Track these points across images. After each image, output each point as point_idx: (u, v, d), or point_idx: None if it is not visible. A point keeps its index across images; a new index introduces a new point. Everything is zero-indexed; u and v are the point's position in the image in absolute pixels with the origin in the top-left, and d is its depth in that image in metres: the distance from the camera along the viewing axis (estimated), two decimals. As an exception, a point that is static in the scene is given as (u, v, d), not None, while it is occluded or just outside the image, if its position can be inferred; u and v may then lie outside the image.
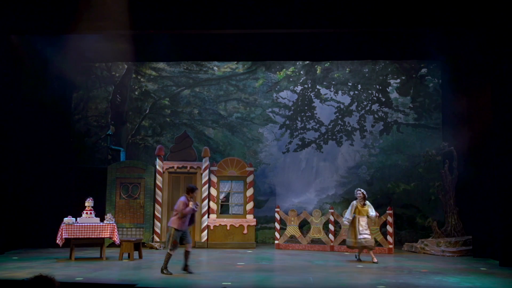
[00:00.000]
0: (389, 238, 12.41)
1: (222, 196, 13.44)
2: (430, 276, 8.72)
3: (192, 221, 8.98)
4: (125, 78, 15.55)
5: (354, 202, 11.02)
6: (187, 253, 8.78)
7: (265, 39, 12.47)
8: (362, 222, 10.79)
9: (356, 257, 10.98)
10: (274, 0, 10.68)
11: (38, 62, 12.80)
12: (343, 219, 11.39)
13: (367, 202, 11.00)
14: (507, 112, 10.17)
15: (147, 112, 15.42)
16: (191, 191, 8.81)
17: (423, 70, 14.94)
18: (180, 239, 8.71)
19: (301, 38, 12.47)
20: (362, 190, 11.04)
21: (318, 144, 15.02)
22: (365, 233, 10.73)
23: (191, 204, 8.65)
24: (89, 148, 15.14)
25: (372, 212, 10.92)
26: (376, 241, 12.15)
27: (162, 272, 8.61)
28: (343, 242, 12.73)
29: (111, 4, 10.32)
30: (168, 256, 8.64)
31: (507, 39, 10.20)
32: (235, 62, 15.34)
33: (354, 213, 10.88)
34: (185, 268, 8.76)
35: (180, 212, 8.57)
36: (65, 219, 10.34)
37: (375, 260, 10.55)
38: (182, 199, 8.75)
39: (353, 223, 10.86)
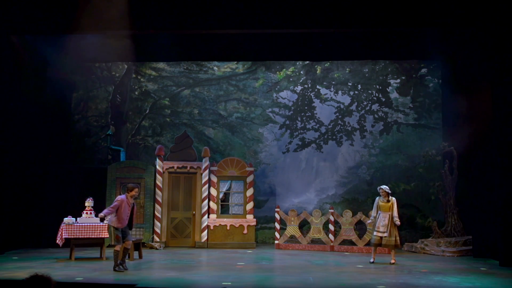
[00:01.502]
0: (389, 238, 12.38)
1: (221, 195, 13.45)
2: (430, 276, 8.72)
3: (130, 225, 9.25)
4: (125, 78, 15.55)
5: (377, 198, 10.75)
6: (125, 250, 9.08)
7: (265, 39, 12.47)
8: (382, 218, 10.47)
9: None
10: (274, 0, 10.67)
11: (38, 62, 12.80)
12: (397, 218, 10.54)
13: (392, 199, 10.57)
14: (507, 112, 10.17)
15: (147, 112, 15.42)
16: (130, 190, 9.16)
17: (423, 70, 14.94)
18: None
19: (301, 38, 12.48)
20: (383, 187, 10.62)
21: (318, 144, 15.02)
22: (381, 230, 10.42)
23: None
24: (89, 148, 15.14)
25: (394, 211, 10.46)
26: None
27: (114, 270, 8.85)
28: (343, 242, 12.75)
29: (111, 4, 10.32)
30: (116, 253, 8.95)
31: (507, 39, 10.20)
32: (235, 62, 15.33)
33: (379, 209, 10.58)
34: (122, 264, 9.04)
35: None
36: (65, 219, 10.34)
37: (392, 261, 10.35)
38: (122, 197, 9.09)
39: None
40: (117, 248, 8.92)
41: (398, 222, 10.43)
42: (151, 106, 15.44)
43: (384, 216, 10.48)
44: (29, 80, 12.37)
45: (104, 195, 12.95)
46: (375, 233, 10.55)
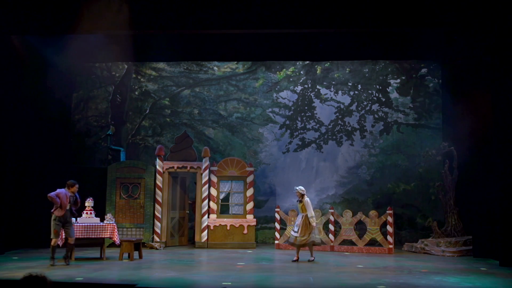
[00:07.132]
0: (389, 238, 12.41)
1: (222, 196, 13.46)
2: (430, 276, 8.72)
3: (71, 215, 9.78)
4: (125, 78, 15.55)
5: (308, 199, 10.86)
6: (69, 245, 9.65)
7: (265, 39, 12.45)
8: (297, 218, 10.92)
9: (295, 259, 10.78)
10: (274, 0, 10.67)
11: (38, 62, 12.78)
12: (313, 218, 10.78)
13: (304, 200, 10.82)
14: (507, 112, 10.17)
15: (147, 112, 15.42)
16: (71, 186, 9.75)
17: (423, 70, 14.94)
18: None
19: (301, 38, 12.46)
20: (297, 188, 10.90)
21: (318, 144, 15.02)
22: (295, 230, 10.86)
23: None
24: (89, 148, 15.15)
25: (308, 212, 10.71)
26: (376, 241, 12.22)
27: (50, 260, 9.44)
28: (343, 242, 12.75)
29: (111, 4, 10.32)
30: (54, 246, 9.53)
31: (507, 39, 10.19)
32: (235, 62, 15.34)
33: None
34: (65, 260, 9.61)
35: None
36: (65, 219, 10.32)
37: (311, 258, 10.67)
38: (62, 191, 9.61)
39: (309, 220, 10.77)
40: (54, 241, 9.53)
41: (313, 223, 10.65)
42: (151, 106, 15.44)
43: (299, 217, 10.85)
44: (29, 80, 12.36)
45: (104, 195, 12.96)
46: (292, 232, 10.92)
